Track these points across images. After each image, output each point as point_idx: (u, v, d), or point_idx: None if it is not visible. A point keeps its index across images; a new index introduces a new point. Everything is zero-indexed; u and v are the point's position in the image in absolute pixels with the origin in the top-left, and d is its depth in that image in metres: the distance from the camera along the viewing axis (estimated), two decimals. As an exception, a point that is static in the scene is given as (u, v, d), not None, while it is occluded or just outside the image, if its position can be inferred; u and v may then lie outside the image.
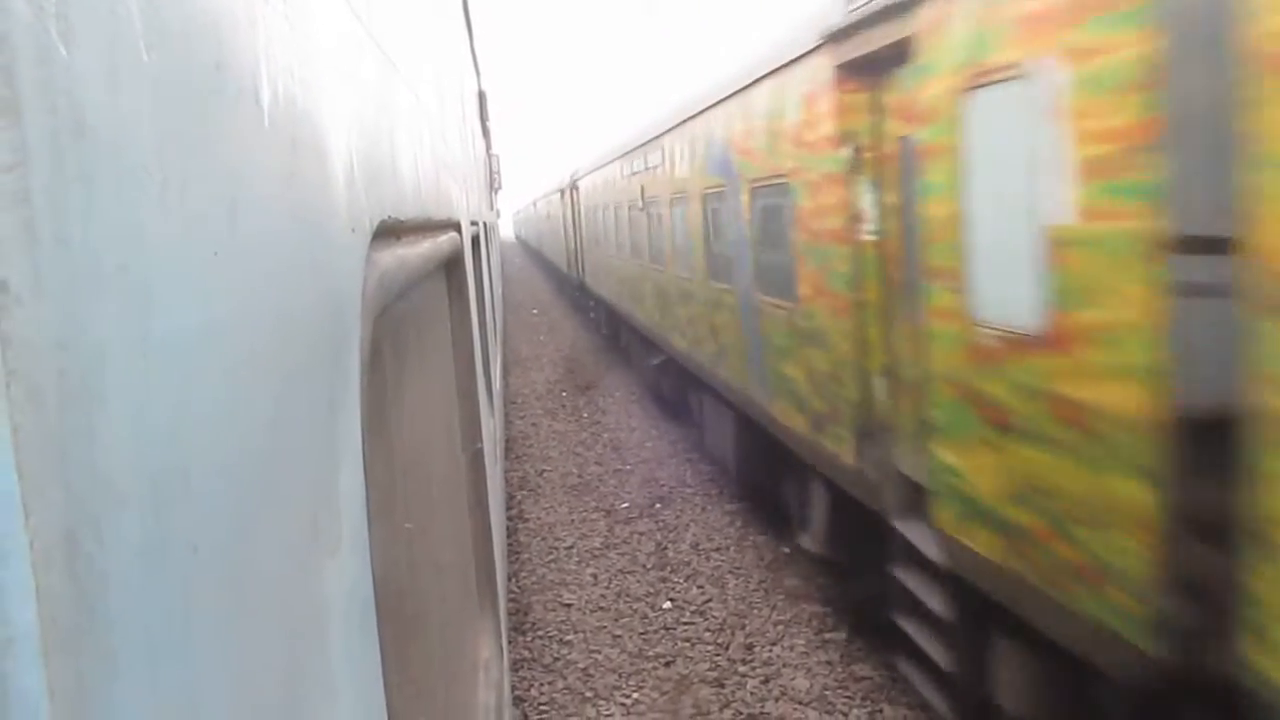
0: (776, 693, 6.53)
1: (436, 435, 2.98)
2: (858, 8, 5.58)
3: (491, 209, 15.15)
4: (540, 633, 7.71)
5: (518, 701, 6.61)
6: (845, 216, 5.97)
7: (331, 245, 1.15)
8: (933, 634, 5.48)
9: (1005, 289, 4.29)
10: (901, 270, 5.63)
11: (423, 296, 2.76)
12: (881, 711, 6.22)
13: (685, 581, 8.47)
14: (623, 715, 6.45)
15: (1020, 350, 4.19)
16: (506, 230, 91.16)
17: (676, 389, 13.17)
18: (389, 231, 1.69)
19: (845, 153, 5.92)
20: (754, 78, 7.65)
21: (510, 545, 9.48)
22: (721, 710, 6.38)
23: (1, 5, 0.45)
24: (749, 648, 7.18)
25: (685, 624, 7.66)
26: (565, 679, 6.97)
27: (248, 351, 0.78)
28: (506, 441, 12.32)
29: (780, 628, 7.45)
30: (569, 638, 7.59)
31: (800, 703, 6.39)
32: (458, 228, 3.57)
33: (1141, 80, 3.34)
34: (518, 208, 78.41)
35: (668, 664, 7.06)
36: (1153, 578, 3.47)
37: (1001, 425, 4.39)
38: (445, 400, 3.36)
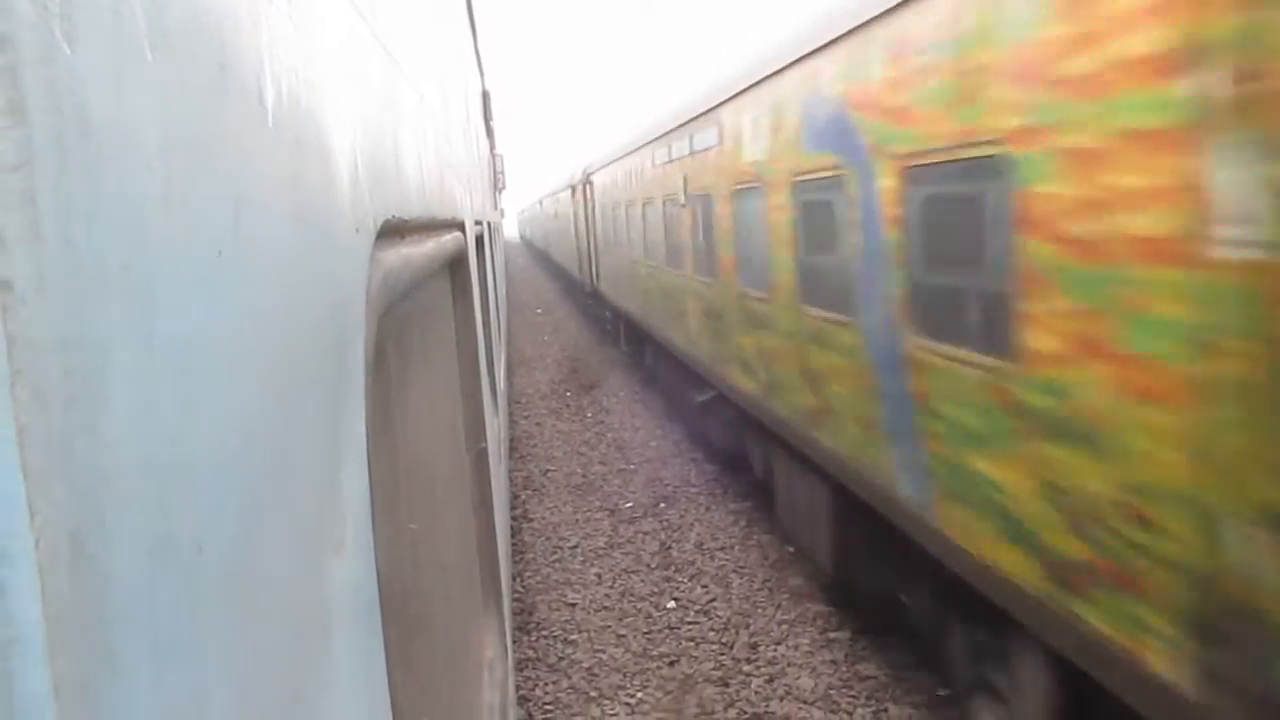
0: (781, 692, 6.53)
1: (441, 435, 2.99)
2: None
3: (495, 209, 15.16)
4: (545, 632, 7.72)
5: (522, 701, 6.61)
6: (1179, 213, 3.17)
7: (336, 245, 1.15)
8: None
9: None
10: None
11: (427, 296, 2.76)
12: (886, 711, 6.21)
13: (689, 581, 8.46)
14: (627, 715, 6.45)
15: None
16: (510, 230, 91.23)
17: (731, 434, 10.50)
18: (393, 231, 1.69)
19: (1194, 85, 3.08)
20: None
21: (514, 545, 9.49)
22: (726, 710, 6.37)
23: (6, 6, 0.45)
24: (753, 647, 7.18)
25: (689, 623, 7.66)
26: (570, 678, 6.97)
27: (252, 351, 0.78)
28: (511, 441, 12.33)
29: (785, 627, 7.44)
30: (573, 637, 7.59)
31: (805, 702, 6.39)
32: (462, 227, 3.57)
33: None
34: (522, 207, 78.28)
35: (672, 663, 7.06)
36: None
37: None
38: (449, 400, 3.36)
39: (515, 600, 7.98)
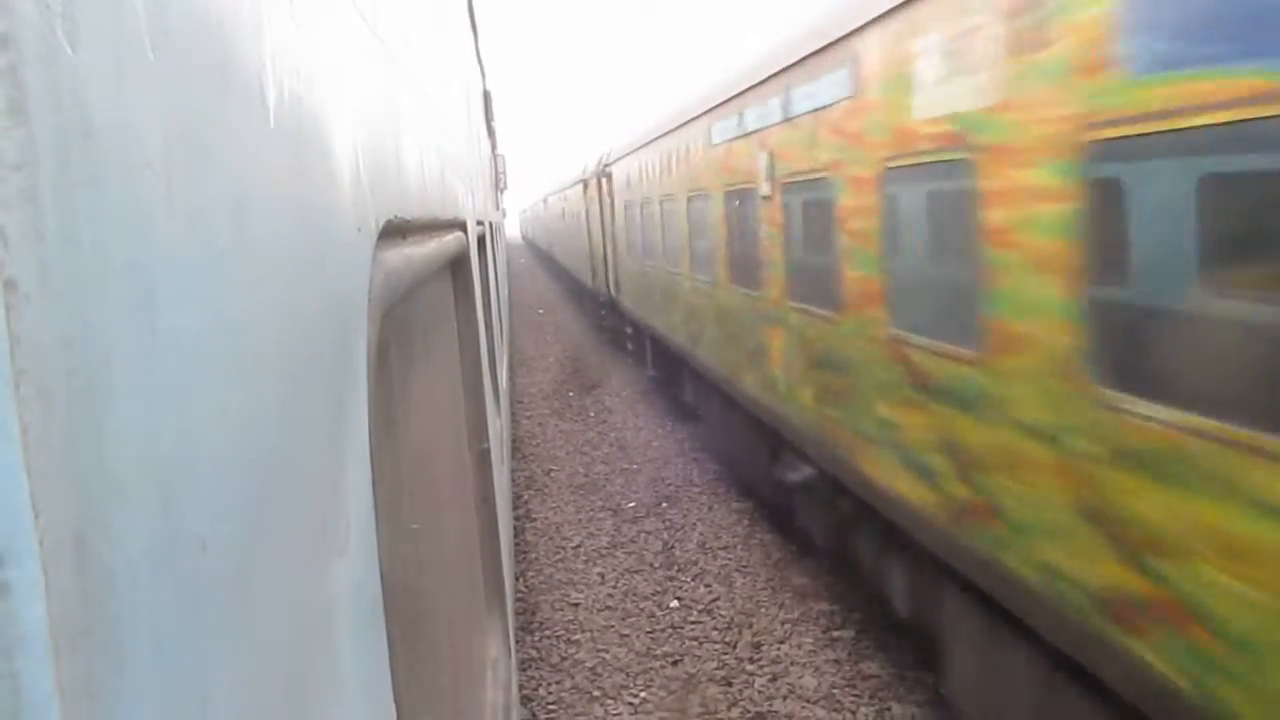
0: (784, 691, 6.53)
1: (443, 435, 2.99)
2: None
3: (497, 208, 15.16)
4: (548, 632, 7.72)
5: (525, 701, 6.61)
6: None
7: (338, 244, 1.15)
8: None
9: None
10: None
11: (429, 296, 2.76)
12: (890, 710, 6.21)
13: (692, 580, 8.46)
14: (630, 714, 6.46)
15: None
16: (512, 230, 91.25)
17: (838, 533, 7.41)
18: (395, 231, 1.69)
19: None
20: None
21: (517, 544, 9.50)
22: (729, 709, 6.37)
23: (7, 5, 0.45)
24: (756, 646, 7.18)
25: (693, 623, 7.66)
26: (573, 678, 6.98)
27: (255, 350, 0.78)
28: (513, 441, 12.33)
29: (788, 626, 7.44)
30: (576, 637, 7.60)
31: (808, 701, 6.39)
32: (463, 227, 3.57)
33: None
34: (524, 206, 78.10)
35: (675, 663, 7.06)
36: None
37: None
38: (452, 400, 3.36)
39: (518, 600, 7.99)
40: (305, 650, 0.86)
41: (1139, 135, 3.32)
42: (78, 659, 0.45)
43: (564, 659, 7.27)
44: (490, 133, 11.62)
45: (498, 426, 5.37)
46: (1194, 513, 3.21)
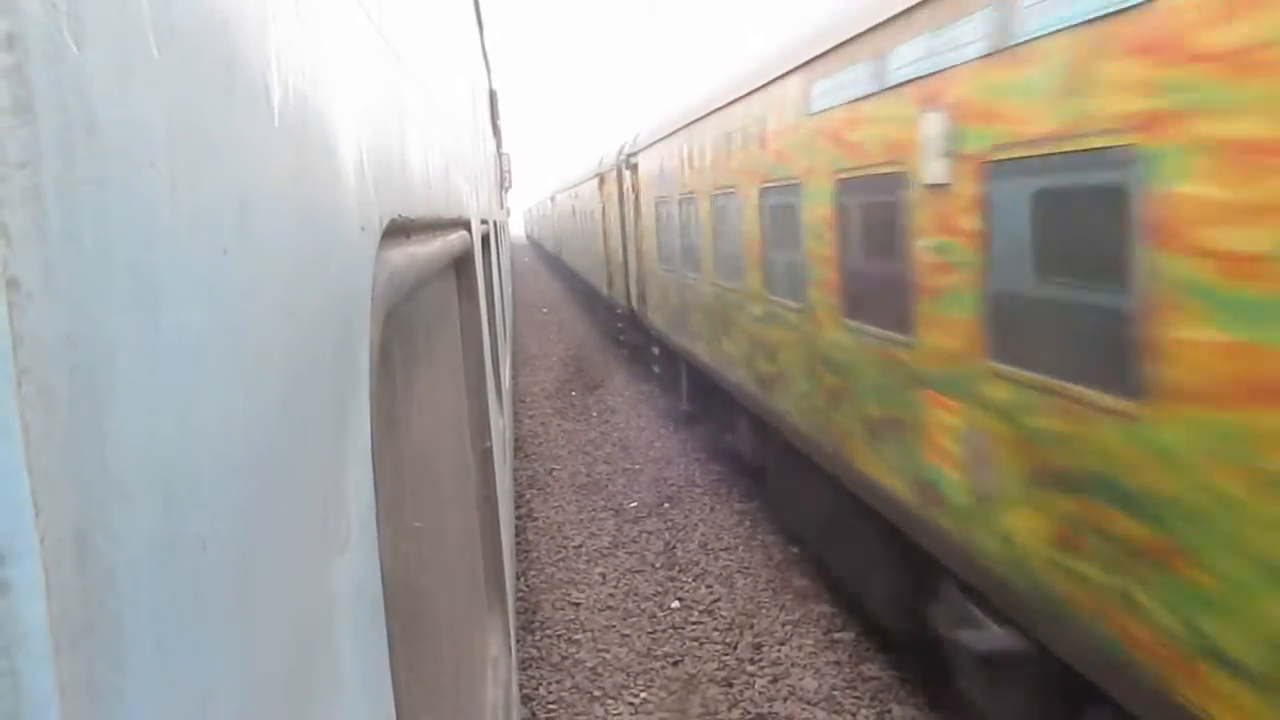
0: (785, 692, 6.53)
1: (446, 433, 2.99)
2: None
3: (502, 207, 15.15)
4: (549, 631, 7.72)
5: (526, 700, 6.61)
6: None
7: (342, 243, 1.15)
8: None
9: None
10: None
11: (433, 295, 2.76)
12: (890, 712, 6.21)
13: (694, 581, 8.46)
14: (631, 714, 6.46)
15: None
16: (517, 229, 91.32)
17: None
18: (399, 230, 1.69)
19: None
20: None
21: (519, 544, 9.50)
22: (729, 710, 6.37)
23: (13, 4, 0.45)
24: (757, 647, 7.18)
25: (693, 623, 7.66)
26: (573, 678, 6.98)
27: (258, 349, 0.78)
28: (515, 440, 12.34)
29: (789, 627, 7.44)
30: (577, 636, 7.60)
31: (808, 702, 6.38)
32: (468, 226, 3.57)
33: None
34: (529, 205, 77.98)
35: (676, 663, 7.05)
36: None
37: None
38: (455, 399, 3.36)
39: (519, 599, 7.99)
40: (306, 648, 0.86)
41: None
42: (78, 657, 0.45)
43: (564, 658, 7.27)
44: (495, 131, 11.61)
45: (500, 425, 5.37)
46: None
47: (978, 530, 4.74)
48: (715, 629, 7.53)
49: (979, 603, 4.93)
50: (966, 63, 4.52)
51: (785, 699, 6.45)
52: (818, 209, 6.67)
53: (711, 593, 8.18)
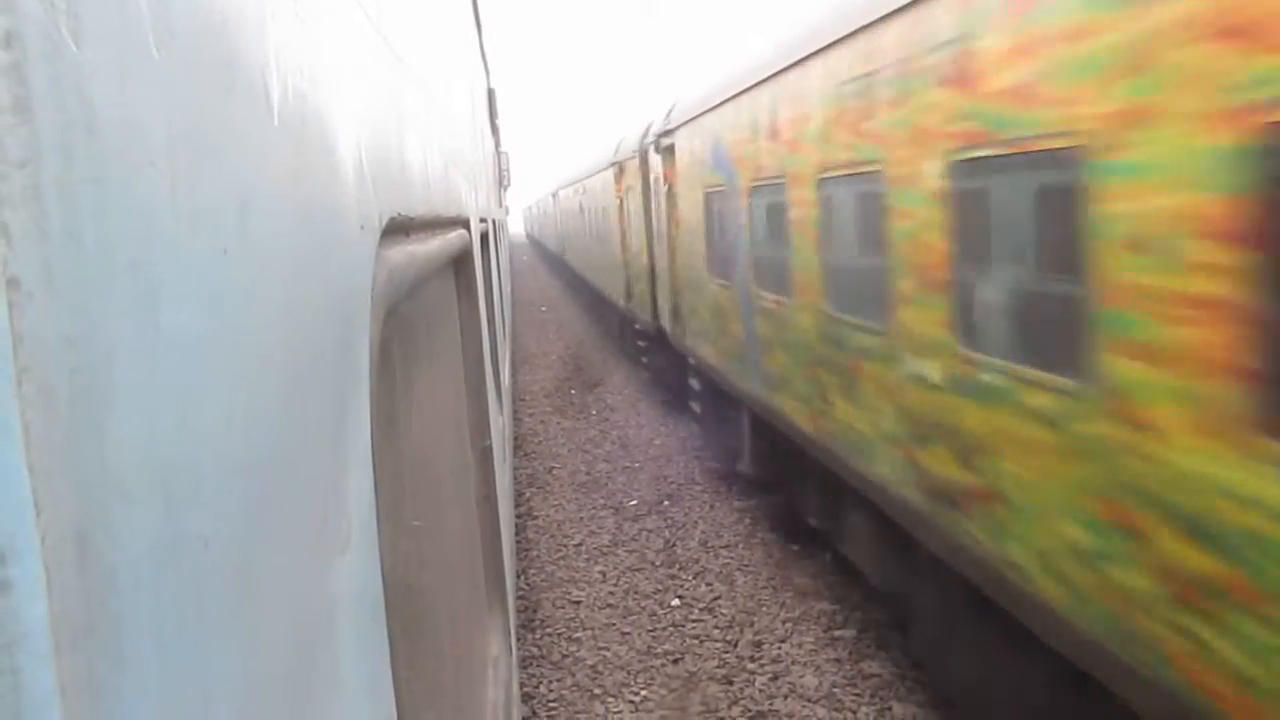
0: (785, 690, 6.53)
1: (446, 432, 2.99)
2: None
3: (501, 206, 15.14)
4: (549, 630, 7.72)
5: (526, 699, 6.62)
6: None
7: (341, 242, 1.15)
8: None
9: None
10: None
11: (432, 294, 2.76)
12: (890, 709, 6.21)
13: (694, 579, 8.46)
14: (631, 712, 6.46)
15: None
16: (516, 228, 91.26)
17: None
18: (398, 228, 1.69)
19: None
20: None
21: (519, 542, 9.50)
22: (730, 707, 6.38)
23: (12, 3, 0.45)
24: (757, 645, 7.18)
25: (694, 621, 7.66)
26: (574, 676, 6.98)
27: (258, 348, 0.78)
28: (515, 439, 12.34)
29: (789, 625, 7.44)
30: (577, 635, 7.60)
31: (809, 700, 6.39)
32: (467, 225, 3.57)
33: None
34: (528, 203, 77.71)
35: (676, 661, 7.06)
36: None
37: None
38: (454, 397, 3.36)
39: (519, 598, 7.99)
40: (306, 648, 0.86)
41: None
42: (79, 656, 0.45)
43: (565, 656, 7.27)
44: (494, 130, 11.60)
45: (500, 424, 5.37)
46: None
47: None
48: (715, 627, 7.54)
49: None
50: None
51: (786, 696, 6.45)
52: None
53: (712, 590, 8.18)
